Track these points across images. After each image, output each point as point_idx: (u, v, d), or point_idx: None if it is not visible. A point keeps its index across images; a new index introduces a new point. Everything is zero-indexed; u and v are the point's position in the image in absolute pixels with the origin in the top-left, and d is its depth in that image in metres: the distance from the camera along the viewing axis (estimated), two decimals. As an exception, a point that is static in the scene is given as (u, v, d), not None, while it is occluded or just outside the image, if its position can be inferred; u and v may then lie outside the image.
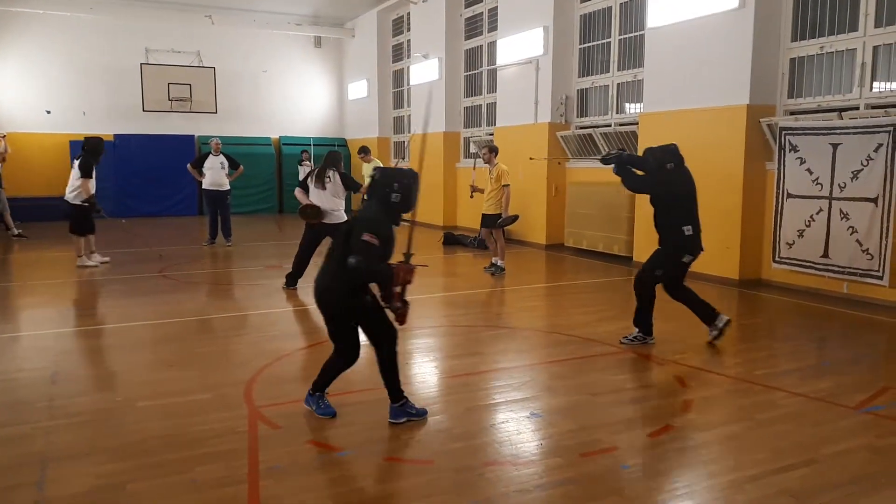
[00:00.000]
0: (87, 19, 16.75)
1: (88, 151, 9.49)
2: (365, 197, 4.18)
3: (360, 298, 3.89)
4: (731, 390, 4.62)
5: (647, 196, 5.60)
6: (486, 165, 9.43)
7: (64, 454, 3.55)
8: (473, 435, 3.85)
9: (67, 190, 9.55)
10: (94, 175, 9.51)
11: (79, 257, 9.70)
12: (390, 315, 3.91)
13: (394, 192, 3.87)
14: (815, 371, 5.15)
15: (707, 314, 5.60)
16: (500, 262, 9.29)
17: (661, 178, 5.50)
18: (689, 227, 5.42)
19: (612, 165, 5.73)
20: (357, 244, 3.70)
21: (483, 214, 9.42)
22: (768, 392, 4.55)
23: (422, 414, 4.04)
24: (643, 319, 5.66)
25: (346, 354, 4.00)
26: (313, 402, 4.10)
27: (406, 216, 4.16)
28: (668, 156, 5.49)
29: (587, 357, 5.39)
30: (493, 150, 9.40)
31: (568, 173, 11.62)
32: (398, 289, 3.78)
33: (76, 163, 9.53)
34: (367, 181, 12.23)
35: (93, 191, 9.49)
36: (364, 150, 11.41)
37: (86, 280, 9.06)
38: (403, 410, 3.99)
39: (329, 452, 3.60)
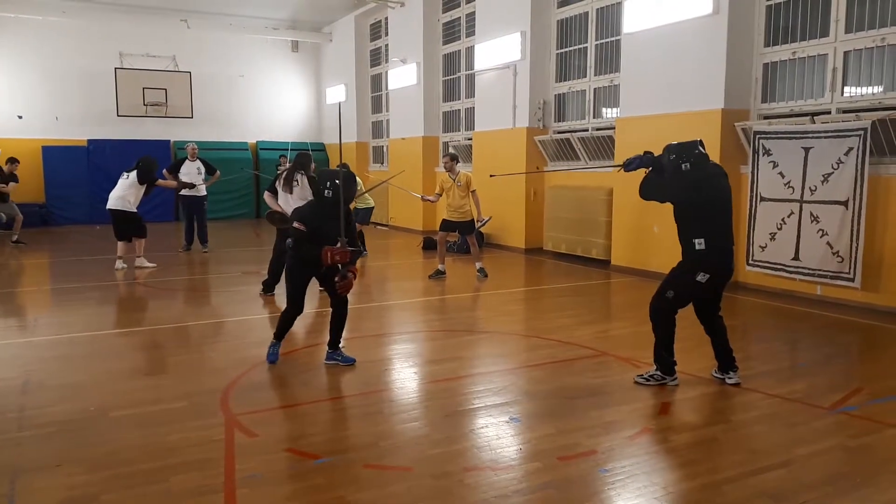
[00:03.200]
0: (60, 23, 16.50)
1: (142, 169, 9.98)
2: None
3: (314, 268, 5.04)
4: (707, 392, 4.65)
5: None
6: (448, 173, 9.35)
7: (35, 465, 3.47)
8: (452, 440, 3.84)
9: (112, 198, 9.86)
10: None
11: (137, 258, 10.10)
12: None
13: (326, 188, 4.88)
14: (790, 372, 5.22)
15: (725, 362, 4.82)
16: (480, 265, 9.31)
17: (674, 181, 4.68)
18: (702, 240, 4.53)
19: (645, 170, 4.91)
20: (291, 230, 4.97)
21: (457, 222, 9.35)
22: (744, 393, 4.59)
23: (348, 361, 5.19)
24: (659, 355, 4.75)
25: (290, 307, 5.18)
26: (271, 348, 5.24)
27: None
28: (685, 154, 4.60)
29: (566, 361, 5.40)
30: (455, 158, 9.38)
31: (546, 177, 11.68)
32: (333, 264, 4.82)
33: (127, 174, 9.97)
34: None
35: (172, 183, 11.20)
36: (343, 167, 11.38)
37: (58, 288, 8.92)
38: (332, 356, 5.21)
39: (307, 460, 3.56)
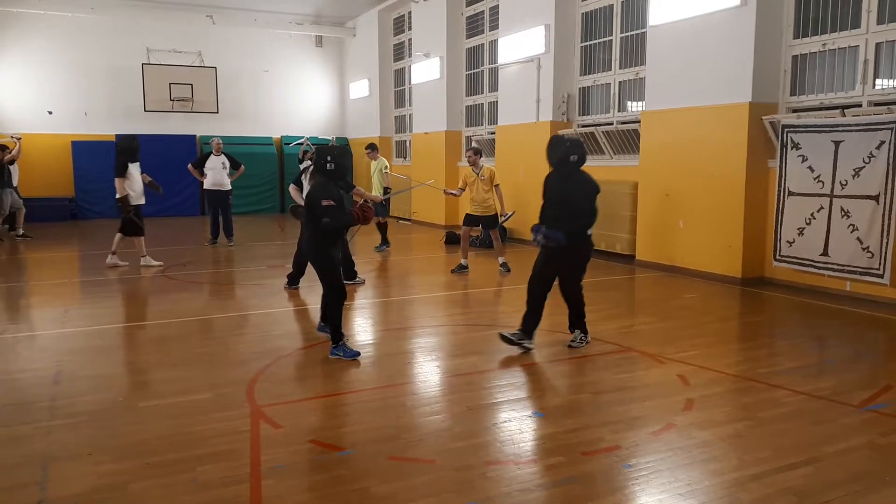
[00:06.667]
0: (89, 19, 16.76)
1: (120, 151, 9.56)
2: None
3: (335, 249, 5.27)
4: (733, 388, 4.61)
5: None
6: (472, 167, 9.34)
7: (66, 454, 3.55)
8: (475, 434, 3.85)
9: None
10: (127, 174, 9.45)
11: (142, 257, 9.74)
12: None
13: (328, 163, 5.21)
14: (818, 369, 5.15)
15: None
16: (503, 260, 9.31)
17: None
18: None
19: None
20: (321, 210, 5.06)
21: (481, 217, 9.36)
22: (771, 390, 4.54)
23: (351, 355, 5.17)
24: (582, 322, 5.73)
25: (335, 291, 5.22)
26: (340, 351, 5.16)
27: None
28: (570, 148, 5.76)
29: (589, 356, 5.38)
30: (478, 152, 9.38)
31: (570, 172, 11.60)
32: (363, 216, 5.35)
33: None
34: (374, 179, 12.18)
35: (126, 191, 9.40)
36: (371, 147, 11.47)
37: (88, 280, 9.08)
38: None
39: (331, 452, 3.59)
